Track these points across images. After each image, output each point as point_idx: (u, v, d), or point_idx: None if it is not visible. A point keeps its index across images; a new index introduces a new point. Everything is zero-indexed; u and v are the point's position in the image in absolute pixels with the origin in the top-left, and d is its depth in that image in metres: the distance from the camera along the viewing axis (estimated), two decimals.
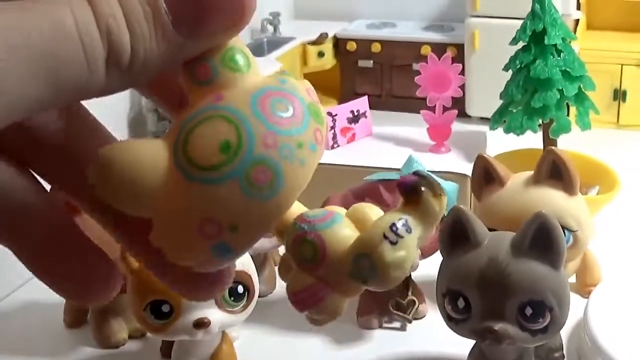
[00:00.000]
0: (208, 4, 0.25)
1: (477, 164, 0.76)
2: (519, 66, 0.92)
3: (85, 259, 0.30)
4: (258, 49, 1.39)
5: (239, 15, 0.26)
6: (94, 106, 0.28)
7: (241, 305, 0.67)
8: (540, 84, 0.90)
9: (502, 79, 0.96)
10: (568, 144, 0.97)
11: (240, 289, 0.66)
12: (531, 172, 0.75)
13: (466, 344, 0.67)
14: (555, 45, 0.90)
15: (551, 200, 0.72)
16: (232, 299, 0.66)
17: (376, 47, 1.35)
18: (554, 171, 0.73)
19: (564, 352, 0.73)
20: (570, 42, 0.93)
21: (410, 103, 1.20)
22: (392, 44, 1.34)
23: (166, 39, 0.25)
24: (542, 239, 0.60)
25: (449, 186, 0.76)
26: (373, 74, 1.38)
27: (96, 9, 0.24)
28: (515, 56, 0.93)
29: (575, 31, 1.23)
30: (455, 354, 0.73)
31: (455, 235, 0.63)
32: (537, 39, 0.90)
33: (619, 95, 1.22)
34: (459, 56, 1.25)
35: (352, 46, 1.38)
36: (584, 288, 0.81)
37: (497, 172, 0.75)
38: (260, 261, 0.81)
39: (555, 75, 0.89)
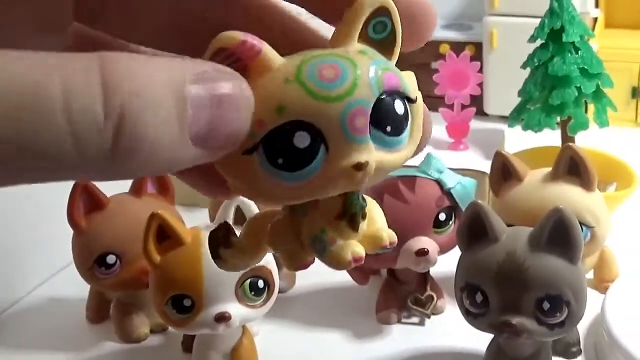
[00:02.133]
0: (219, 117, 0.24)
1: (496, 160, 0.77)
2: (537, 64, 0.92)
3: None
4: None
5: (239, 135, 0.25)
6: None
7: (261, 299, 0.67)
8: (558, 81, 0.90)
9: (520, 77, 0.96)
10: (586, 141, 0.97)
11: (260, 283, 0.67)
12: (549, 169, 0.75)
13: (484, 339, 0.68)
14: (573, 42, 0.90)
15: (569, 196, 0.73)
16: (253, 293, 0.66)
17: None
18: (571, 167, 0.73)
19: (581, 346, 0.73)
20: (588, 39, 0.93)
21: (428, 101, 1.18)
22: None
23: (181, 139, 0.23)
24: (560, 234, 0.60)
25: (467, 182, 0.76)
26: None
27: (109, 82, 0.21)
28: (534, 54, 0.93)
29: (593, 29, 1.23)
30: (473, 349, 0.73)
31: (474, 230, 0.64)
32: (555, 36, 0.90)
33: (637, 93, 1.22)
34: (477, 55, 1.25)
35: None
36: (601, 284, 0.81)
37: (515, 168, 0.76)
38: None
39: (574, 72, 0.89)
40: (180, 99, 0.23)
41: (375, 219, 0.30)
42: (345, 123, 0.25)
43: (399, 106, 0.26)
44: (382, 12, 0.27)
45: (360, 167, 0.25)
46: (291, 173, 0.25)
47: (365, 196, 0.29)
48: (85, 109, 0.21)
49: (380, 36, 0.28)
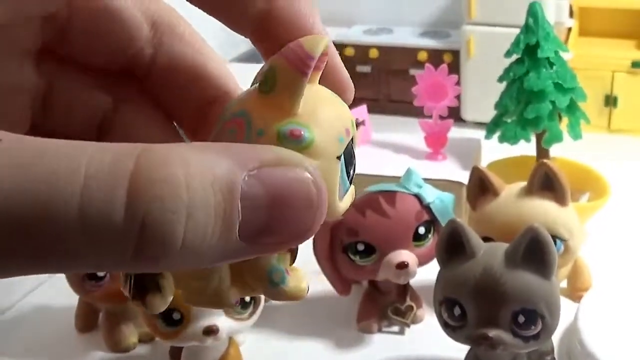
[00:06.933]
0: (279, 218, 0.22)
1: (473, 175, 0.79)
2: (512, 78, 0.95)
3: None
4: (255, 56, 1.40)
5: (304, 235, 0.23)
6: None
7: (248, 312, 0.69)
8: (533, 95, 0.92)
9: (496, 85, 0.99)
10: (560, 149, 1.00)
11: (247, 297, 0.69)
12: (524, 183, 0.78)
13: (462, 349, 0.70)
14: (548, 58, 0.92)
15: (543, 210, 0.75)
16: (240, 306, 0.68)
17: (373, 53, 1.37)
18: (546, 183, 0.76)
19: (555, 355, 0.76)
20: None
21: (406, 107, 1.23)
22: (389, 50, 1.36)
23: (226, 239, 0.21)
24: (535, 251, 0.63)
25: (446, 197, 0.78)
26: (371, 79, 1.39)
27: (136, 185, 0.20)
28: (509, 68, 0.95)
29: (567, 38, 1.26)
30: (452, 358, 0.76)
31: (452, 247, 0.66)
32: (530, 52, 0.93)
33: (611, 101, 1.25)
34: (455, 62, 1.28)
35: (350, 52, 1.39)
36: (575, 293, 0.84)
37: (491, 183, 0.78)
38: None
39: (548, 87, 0.92)
40: (227, 200, 0.21)
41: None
42: None
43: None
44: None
45: None
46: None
47: None
48: (102, 216, 0.19)
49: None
